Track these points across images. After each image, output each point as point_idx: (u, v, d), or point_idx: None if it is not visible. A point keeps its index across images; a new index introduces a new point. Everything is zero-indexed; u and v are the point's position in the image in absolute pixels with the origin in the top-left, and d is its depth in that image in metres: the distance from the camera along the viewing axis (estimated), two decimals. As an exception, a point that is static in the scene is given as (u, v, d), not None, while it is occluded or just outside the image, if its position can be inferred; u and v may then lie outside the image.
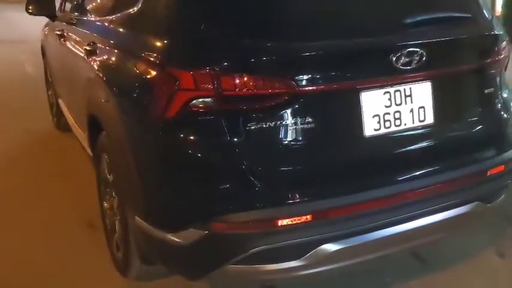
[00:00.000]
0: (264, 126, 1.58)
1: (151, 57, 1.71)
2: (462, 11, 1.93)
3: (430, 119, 1.79)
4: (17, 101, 5.03)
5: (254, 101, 1.57)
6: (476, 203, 1.86)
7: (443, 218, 1.80)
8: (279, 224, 1.54)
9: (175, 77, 1.58)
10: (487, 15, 1.99)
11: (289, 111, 1.60)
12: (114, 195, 2.13)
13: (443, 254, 2.26)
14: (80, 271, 2.25)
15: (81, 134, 2.82)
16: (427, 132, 1.80)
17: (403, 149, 1.77)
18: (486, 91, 1.94)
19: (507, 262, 2.25)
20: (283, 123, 1.59)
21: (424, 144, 1.80)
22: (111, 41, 2.17)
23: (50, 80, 4.08)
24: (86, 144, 2.64)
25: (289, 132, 1.60)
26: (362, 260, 1.73)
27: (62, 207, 2.83)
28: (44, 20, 3.84)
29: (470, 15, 1.94)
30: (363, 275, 2.09)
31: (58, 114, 3.91)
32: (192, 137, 1.60)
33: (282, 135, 1.60)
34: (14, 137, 4.00)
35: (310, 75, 1.61)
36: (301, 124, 1.61)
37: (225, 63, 1.57)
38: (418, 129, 1.78)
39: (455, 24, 1.89)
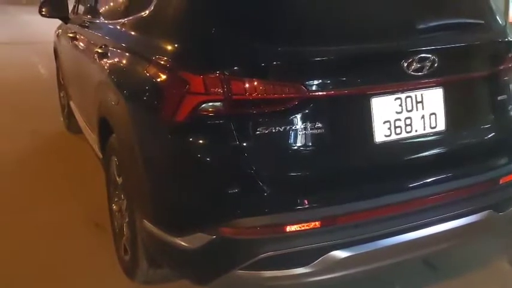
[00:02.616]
0: (274, 131, 1.57)
1: (162, 60, 1.71)
2: (475, 17, 1.91)
3: (441, 126, 1.77)
4: (29, 102, 5.09)
5: (264, 105, 1.57)
6: (488, 211, 1.83)
7: (455, 226, 1.77)
8: (288, 230, 1.53)
9: (185, 81, 1.58)
10: (500, 22, 1.96)
11: (299, 116, 1.59)
12: (122, 197, 2.13)
13: (454, 262, 2.23)
14: (86, 272, 2.26)
15: (92, 136, 2.83)
16: (439, 139, 1.78)
17: (414, 156, 1.76)
18: (499, 98, 1.92)
19: (519, 271, 2.22)
20: (293, 128, 1.58)
21: (435, 151, 1.78)
22: (123, 44, 2.18)
23: (62, 81, 4.12)
24: (96, 146, 2.66)
25: (299, 138, 1.60)
26: (371, 268, 1.71)
27: (71, 209, 2.84)
28: (57, 22, 3.88)
29: (483, 22, 1.92)
30: (371, 282, 2.06)
31: (69, 116, 3.94)
32: (201, 141, 1.60)
33: (291, 140, 1.59)
34: (24, 138, 4.04)
35: (320, 80, 1.60)
36: (311, 129, 1.60)
37: (235, 68, 1.57)
38: (429, 135, 1.76)
39: (468, 30, 1.87)
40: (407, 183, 1.70)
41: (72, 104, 3.68)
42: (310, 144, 1.60)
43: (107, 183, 2.38)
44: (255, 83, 1.54)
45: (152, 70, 1.78)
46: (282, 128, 1.57)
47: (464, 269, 2.20)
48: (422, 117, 1.74)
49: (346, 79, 1.65)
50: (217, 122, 1.57)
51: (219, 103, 1.56)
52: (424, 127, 1.74)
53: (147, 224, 1.77)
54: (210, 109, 1.56)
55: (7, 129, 4.29)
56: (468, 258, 2.26)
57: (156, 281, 2.08)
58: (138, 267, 2.01)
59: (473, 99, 1.88)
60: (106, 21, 2.63)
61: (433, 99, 1.75)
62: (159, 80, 1.72)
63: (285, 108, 1.58)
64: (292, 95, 1.57)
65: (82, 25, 3.04)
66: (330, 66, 1.64)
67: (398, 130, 1.70)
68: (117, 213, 2.25)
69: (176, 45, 1.73)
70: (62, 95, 4.29)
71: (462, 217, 1.79)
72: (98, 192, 2.60)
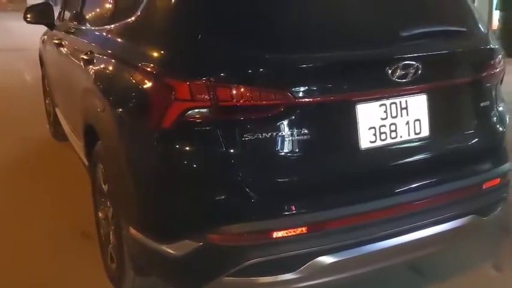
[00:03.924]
0: (260, 137, 1.57)
1: (148, 67, 1.71)
2: (458, 25, 1.95)
3: (425, 132, 1.79)
4: (14, 110, 5.03)
5: (250, 112, 1.58)
6: (472, 216, 1.86)
7: (440, 230, 1.79)
8: (274, 236, 1.54)
9: (171, 87, 1.58)
10: (482, 29, 2.01)
11: (285, 122, 1.60)
12: (109, 205, 2.11)
13: (440, 268, 2.25)
14: (72, 282, 2.23)
15: (78, 143, 2.81)
16: (423, 145, 1.80)
17: (399, 162, 1.78)
18: (482, 104, 1.95)
19: (504, 275, 2.24)
20: (279, 134, 1.59)
21: (419, 156, 1.80)
22: (109, 51, 2.17)
23: (48, 88, 4.08)
24: (82, 153, 2.63)
25: (285, 144, 1.60)
26: (358, 273, 1.72)
27: (57, 217, 2.80)
28: (42, 28, 3.85)
29: (466, 29, 1.96)
30: (358, 286, 2.07)
31: (55, 123, 3.90)
32: (187, 148, 1.60)
33: (277, 146, 1.60)
34: (10, 145, 3.99)
35: (306, 87, 1.61)
36: (297, 135, 1.60)
37: (222, 74, 1.57)
38: (414, 141, 1.78)
39: (451, 37, 1.90)
40: (393, 189, 1.72)
41: (58, 111, 3.65)
42: (296, 150, 1.61)
43: (93, 190, 2.36)
44: (242, 90, 1.55)
45: (138, 77, 1.77)
46: (269, 134, 1.58)
47: (450, 275, 2.21)
48: (407, 123, 1.76)
49: (332, 86, 1.66)
50: (204, 128, 1.57)
51: (206, 109, 1.56)
52: (409, 133, 1.77)
53: (133, 231, 1.76)
54: (197, 115, 1.56)
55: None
56: (454, 264, 2.27)
57: (142, 289, 2.06)
58: (124, 275, 1.99)
59: (456, 106, 1.91)
60: (92, 28, 2.62)
61: (417, 105, 1.77)
62: (145, 86, 1.71)
63: (272, 115, 1.59)
64: (278, 102, 1.58)
65: (68, 31, 3.03)
66: (316, 73, 1.65)
67: (383, 136, 1.72)
68: (103, 221, 2.23)
69: (162, 52, 1.73)
70: (47, 102, 4.25)
71: (447, 222, 1.81)
72: (84, 200, 2.58)
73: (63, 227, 2.69)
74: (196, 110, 1.56)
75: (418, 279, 2.19)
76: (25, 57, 7.33)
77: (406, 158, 1.78)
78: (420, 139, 1.78)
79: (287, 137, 1.60)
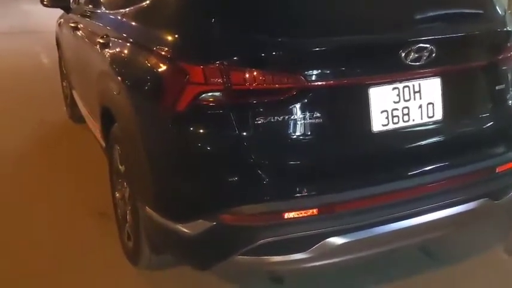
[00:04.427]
0: (273, 120, 1.59)
1: (163, 51, 1.74)
2: (474, 7, 1.92)
3: (439, 115, 1.79)
4: (33, 92, 5.10)
5: (263, 95, 1.59)
6: (484, 199, 1.86)
7: (451, 213, 1.80)
8: (286, 217, 1.57)
9: (185, 71, 1.61)
10: (499, 11, 1.97)
11: (297, 105, 1.61)
12: (125, 185, 2.17)
13: (451, 250, 2.26)
14: (90, 259, 2.30)
15: (94, 125, 2.87)
16: (436, 128, 1.80)
17: (411, 145, 1.78)
18: (497, 88, 1.93)
19: (515, 259, 2.25)
20: (292, 117, 1.61)
21: (432, 140, 1.80)
22: (124, 34, 2.20)
23: (64, 71, 4.14)
24: (98, 135, 2.69)
25: (298, 127, 1.62)
26: (368, 254, 1.75)
27: (75, 198, 2.88)
28: (59, 11, 3.89)
29: (482, 11, 1.93)
30: (368, 268, 2.10)
31: (72, 105, 3.97)
32: (201, 130, 1.63)
33: (290, 129, 1.62)
34: (31, 128, 4.07)
35: (319, 70, 1.62)
36: (309, 119, 1.62)
37: (235, 58, 1.59)
38: (427, 125, 1.78)
39: (467, 20, 1.88)
40: (405, 172, 1.73)
41: (74, 93, 3.71)
42: (308, 133, 1.63)
43: (110, 171, 2.42)
44: (255, 73, 1.57)
45: (153, 60, 1.80)
46: (281, 117, 1.60)
47: (460, 257, 2.23)
48: (420, 106, 1.76)
49: (345, 69, 1.67)
50: (217, 111, 1.60)
51: (219, 93, 1.58)
52: (422, 116, 1.76)
53: (149, 211, 1.81)
54: (210, 99, 1.59)
55: (17, 119, 4.33)
56: (464, 248, 2.28)
57: (158, 266, 2.13)
58: (140, 253, 2.05)
59: (471, 89, 1.90)
60: (107, 11, 2.64)
61: (431, 88, 1.76)
62: (159, 70, 1.74)
63: (284, 98, 1.60)
64: (291, 85, 1.60)
65: (83, 15, 3.06)
66: (329, 57, 1.66)
67: (395, 119, 1.72)
68: (120, 201, 2.29)
69: (176, 36, 1.75)
70: (64, 84, 4.32)
71: (458, 205, 1.81)
72: (101, 181, 2.64)
73: (81, 207, 2.76)
74: (210, 94, 1.58)
75: (428, 262, 2.21)
76: (42, 40, 7.39)
77: (418, 141, 1.78)
78: (433, 122, 1.78)
79: (299, 120, 1.62)
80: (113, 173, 2.38)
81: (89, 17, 2.92)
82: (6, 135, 3.95)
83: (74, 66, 3.46)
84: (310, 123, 1.62)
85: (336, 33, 1.67)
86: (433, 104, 1.78)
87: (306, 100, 1.62)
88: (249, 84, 1.57)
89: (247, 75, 1.57)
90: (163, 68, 1.72)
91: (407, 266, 2.17)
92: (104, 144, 2.55)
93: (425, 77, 1.75)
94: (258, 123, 1.59)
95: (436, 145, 1.81)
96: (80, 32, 3.03)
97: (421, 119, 1.77)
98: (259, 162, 1.59)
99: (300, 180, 1.61)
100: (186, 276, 2.09)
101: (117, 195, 2.32)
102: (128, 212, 2.16)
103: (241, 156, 1.60)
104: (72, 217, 2.68)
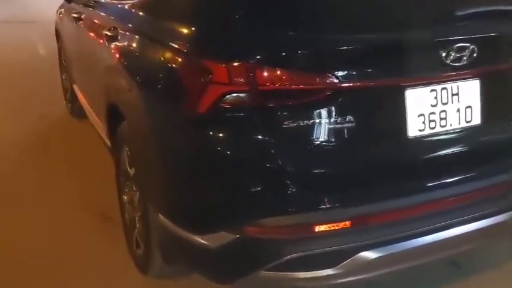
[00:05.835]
0: (302, 124, 1.46)
1: (181, 46, 1.60)
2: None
3: (476, 120, 1.67)
4: (30, 84, 4.94)
5: (291, 97, 1.46)
6: None
7: (486, 225, 1.69)
8: (316, 230, 1.45)
9: (207, 70, 1.47)
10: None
11: (328, 108, 1.48)
12: (135, 189, 2.04)
13: (478, 260, 2.17)
14: (93, 263, 2.20)
15: (98, 122, 2.73)
16: (473, 134, 1.68)
17: (447, 151, 1.66)
18: None
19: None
20: (322, 121, 1.48)
21: (469, 146, 1.68)
22: (134, 27, 2.05)
23: (64, 64, 3.98)
24: (103, 133, 2.55)
25: (328, 132, 1.49)
26: (400, 268, 1.63)
27: (75, 198, 2.76)
28: (58, 1, 3.74)
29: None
30: (392, 278, 1.99)
31: (72, 100, 3.82)
32: (224, 134, 1.49)
33: (320, 134, 1.49)
34: (30, 123, 3.92)
35: (352, 71, 1.49)
36: (341, 123, 1.49)
37: (261, 56, 1.45)
38: (464, 130, 1.66)
39: (509, 17, 1.75)
40: (440, 181, 1.61)
41: (75, 87, 3.55)
42: (339, 139, 1.50)
43: (116, 172, 2.28)
44: (283, 73, 1.43)
45: (169, 56, 1.66)
46: (311, 121, 1.47)
47: (487, 268, 2.14)
48: (458, 110, 1.63)
49: (380, 70, 1.53)
50: (242, 114, 1.46)
51: (244, 94, 1.45)
52: (459, 121, 1.64)
53: (163, 219, 1.69)
54: (234, 101, 1.45)
55: (15, 113, 4.18)
56: (492, 257, 2.20)
57: (170, 275, 2.01)
58: (151, 262, 1.93)
59: (510, 92, 1.77)
60: (114, 1, 2.49)
61: (469, 91, 1.64)
62: (177, 67, 1.60)
63: (314, 100, 1.47)
64: (321, 86, 1.47)
65: (87, 5, 2.90)
66: (362, 56, 1.52)
67: (432, 124, 1.60)
68: (128, 205, 2.16)
69: (195, 29, 1.61)
70: (64, 77, 4.16)
71: (494, 216, 1.70)
72: (104, 181, 2.51)
73: (81, 209, 2.64)
74: (234, 95, 1.45)
75: (453, 272, 2.11)
76: (39, 30, 7.21)
77: (454, 148, 1.66)
78: (470, 128, 1.66)
79: (330, 124, 1.48)
80: (120, 174, 2.24)
81: (93, 7, 2.77)
82: (3, 130, 3.79)
83: (76, 59, 3.31)
84: (342, 128, 1.49)
85: (370, 30, 1.54)
86: (471, 107, 1.65)
87: (337, 103, 1.49)
88: (277, 85, 1.44)
89: (274, 75, 1.43)
90: (181, 65, 1.58)
91: (431, 274, 2.06)
92: (109, 143, 2.42)
93: (464, 78, 1.62)
94: (286, 128, 1.45)
95: (473, 152, 1.69)
96: (83, 23, 2.87)
97: (459, 123, 1.64)
98: (287, 170, 1.46)
99: (331, 190, 1.49)
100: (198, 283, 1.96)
101: (125, 198, 2.18)
102: (137, 217, 2.02)
103: (268, 164, 1.47)
104: (72, 218, 2.56)
